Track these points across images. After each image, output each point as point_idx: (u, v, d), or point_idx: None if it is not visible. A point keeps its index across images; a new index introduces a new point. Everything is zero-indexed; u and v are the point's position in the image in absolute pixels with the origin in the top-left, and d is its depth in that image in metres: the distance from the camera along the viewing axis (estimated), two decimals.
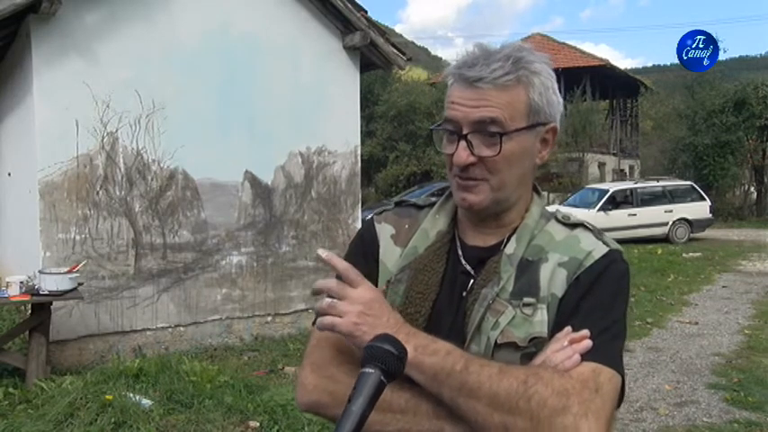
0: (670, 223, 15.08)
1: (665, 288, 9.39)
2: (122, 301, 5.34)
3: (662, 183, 16.32)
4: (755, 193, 23.07)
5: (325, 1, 6.15)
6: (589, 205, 14.75)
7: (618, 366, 0.97)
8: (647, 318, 7.42)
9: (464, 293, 1.07)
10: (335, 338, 1.08)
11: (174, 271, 5.59)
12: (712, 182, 20.29)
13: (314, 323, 1.15)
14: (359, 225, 6.73)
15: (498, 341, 1.00)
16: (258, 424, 3.87)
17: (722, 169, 20.60)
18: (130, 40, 5.30)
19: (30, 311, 4.68)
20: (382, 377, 0.84)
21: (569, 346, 0.96)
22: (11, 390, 4.27)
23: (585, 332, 0.97)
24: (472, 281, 1.07)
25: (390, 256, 1.15)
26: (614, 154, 27.56)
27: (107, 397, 3.90)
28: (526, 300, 1.01)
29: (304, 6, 6.17)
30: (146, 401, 3.98)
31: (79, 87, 5.06)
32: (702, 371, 5.43)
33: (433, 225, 1.15)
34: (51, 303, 4.51)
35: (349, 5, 6.17)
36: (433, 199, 1.21)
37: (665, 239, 14.84)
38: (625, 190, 15.67)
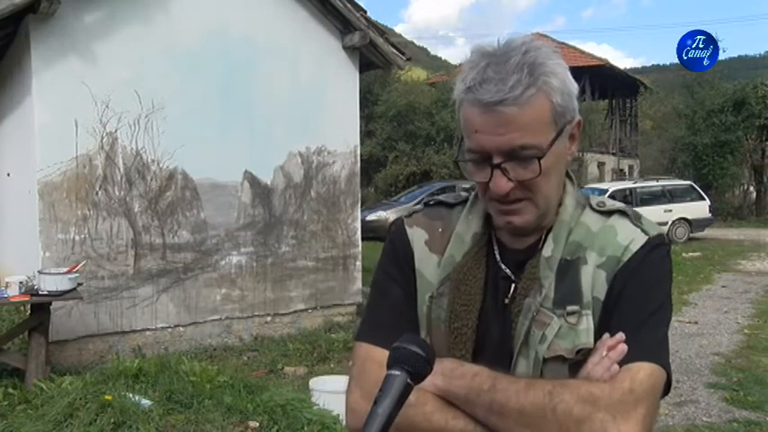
0: (669, 223, 15.07)
1: None
2: (122, 302, 5.34)
3: (661, 182, 16.32)
4: (755, 193, 23.08)
5: (324, 1, 6.15)
6: None
7: (658, 358, 0.94)
8: None
9: (506, 300, 1.04)
10: (381, 358, 1.02)
11: (174, 271, 5.59)
12: (712, 181, 20.29)
13: (356, 338, 1.11)
14: (358, 225, 6.73)
15: (546, 356, 0.98)
16: (258, 424, 3.87)
17: (721, 169, 20.60)
18: (130, 41, 5.30)
19: (29, 312, 4.68)
20: (409, 380, 0.83)
21: (606, 357, 0.94)
22: (10, 390, 4.26)
23: (620, 336, 0.94)
24: (513, 286, 1.04)
25: (427, 265, 1.10)
26: (614, 153, 27.56)
27: (106, 397, 3.89)
28: (570, 308, 0.98)
29: (303, 6, 6.17)
30: (145, 402, 3.97)
31: (78, 87, 5.06)
32: (702, 370, 5.43)
33: (467, 228, 1.09)
34: (51, 304, 4.50)
35: (348, 5, 6.17)
36: (464, 194, 1.15)
37: None
38: (624, 190, 15.67)
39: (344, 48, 6.39)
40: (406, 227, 1.14)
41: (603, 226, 1.04)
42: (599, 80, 25.73)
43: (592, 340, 0.97)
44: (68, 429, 3.63)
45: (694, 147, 20.89)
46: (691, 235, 15.33)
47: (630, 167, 28.70)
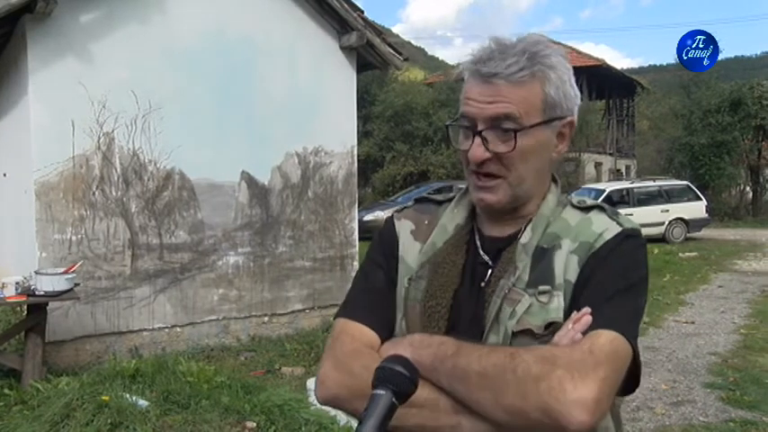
0: (666, 223, 15.11)
1: (661, 288, 9.40)
2: (119, 302, 5.33)
3: (658, 183, 16.34)
4: (751, 193, 23.15)
5: (321, 1, 6.15)
6: None
7: (621, 328, 0.96)
8: (644, 317, 7.42)
9: (482, 284, 1.07)
10: (356, 332, 1.09)
11: (171, 271, 5.58)
12: (708, 182, 20.34)
13: (335, 316, 1.16)
14: (356, 225, 6.73)
15: (514, 330, 1.00)
16: (255, 424, 3.87)
17: (718, 169, 20.65)
18: (126, 41, 5.29)
19: (26, 312, 4.67)
20: (394, 399, 0.84)
21: (572, 329, 0.97)
22: (6, 391, 4.25)
23: (586, 309, 0.97)
24: (490, 271, 1.08)
25: (410, 251, 1.15)
26: (611, 154, 27.58)
27: (103, 398, 3.89)
28: (542, 288, 1.02)
29: (300, 6, 6.17)
30: (142, 402, 3.97)
31: (75, 88, 5.05)
32: (699, 370, 5.44)
33: (451, 219, 1.15)
34: (47, 304, 4.49)
35: (345, 5, 6.17)
36: (453, 194, 1.21)
37: (661, 239, 14.86)
38: (622, 190, 15.71)
39: (342, 48, 6.39)
40: (395, 219, 1.21)
41: (581, 219, 1.08)
42: (596, 80, 25.76)
43: (561, 315, 1.00)
44: (65, 430, 3.62)
45: (691, 147, 20.94)
46: (687, 235, 15.36)
47: (627, 168, 28.73)
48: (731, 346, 6.22)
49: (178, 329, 5.65)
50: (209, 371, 4.55)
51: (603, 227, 1.05)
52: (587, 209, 1.09)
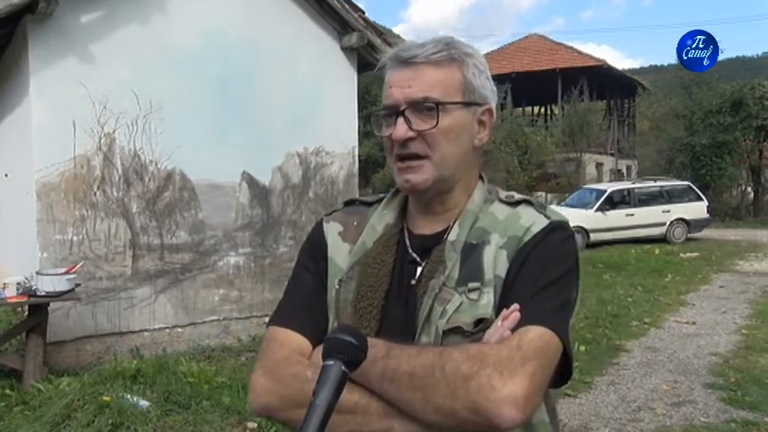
0: (667, 223, 15.09)
1: (662, 288, 9.40)
2: (120, 302, 5.33)
3: (659, 183, 16.33)
4: (752, 194, 23.11)
5: (321, 2, 6.15)
6: (587, 205, 14.76)
7: (549, 323, 0.96)
8: (645, 318, 7.42)
9: (412, 282, 1.07)
10: (285, 338, 1.09)
11: (172, 272, 5.58)
12: (709, 182, 20.30)
13: (268, 324, 1.16)
14: None
15: (445, 329, 1.00)
16: (256, 425, 3.87)
17: (719, 169, 20.62)
18: (128, 41, 5.29)
19: (27, 313, 4.67)
20: (344, 368, 0.84)
21: (501, 326, 0.97)
22: (7, 391, 4.26)
23: (515, 306, 0.98)
24: (419, 269, 1.08)
25: (339, 252, 1.15)
26: (612, 154, 27.56)
27: (104, 398, 3.89)
28: (471, 285, 1.02)
29: (301, 7, 6.17)
30: (143, 402, 3.97)
31: (76, 88, 5.05)
32: (700, 371, 5.44)
33: (380, 219, 1.15)
34: (48, 304, 4.49)
35: (346, 6, 6.17)
36: (382, 195, 1.21)
37: (662, 239, 14.85)
38: (623, 190, 15.68)
39: (342, 48, 6.39)
40: (324, 222, 1.21)
41: (509, 213, 1.08)
42: (597, 81, 25.76)
43: (491, 311, 1.00)
44: (66, 431, 3.63)
45: (692, 147, 20.91)
46: (689, 235, 15.34)
47: (628, 168, 28.70)
48: (732, 346, 6.21)
49: (179, 330, 5.65)
50: (210, 371, 4.55)
51: (531, 220, 1.06)
52: (515, 203, 1.10)
